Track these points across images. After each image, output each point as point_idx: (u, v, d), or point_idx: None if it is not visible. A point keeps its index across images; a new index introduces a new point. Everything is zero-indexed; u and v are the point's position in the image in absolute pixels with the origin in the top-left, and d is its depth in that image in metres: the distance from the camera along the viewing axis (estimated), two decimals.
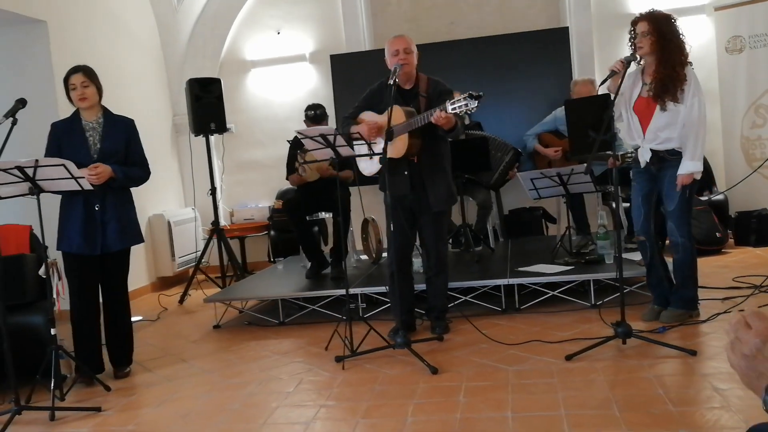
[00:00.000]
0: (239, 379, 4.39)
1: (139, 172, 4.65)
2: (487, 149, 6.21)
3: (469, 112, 4.17)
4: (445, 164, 4.77)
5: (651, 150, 4.47)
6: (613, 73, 4.27)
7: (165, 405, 4.03)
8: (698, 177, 4.39)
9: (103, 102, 4.67)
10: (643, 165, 4.54)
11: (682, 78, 4.32)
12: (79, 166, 4.12)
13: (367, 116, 4.81)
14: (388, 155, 4.34)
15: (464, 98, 4.13)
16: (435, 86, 4.70)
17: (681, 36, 4.39)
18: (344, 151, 4.64)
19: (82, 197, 4.41)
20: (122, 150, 4.56)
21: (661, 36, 4.33)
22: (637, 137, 4.54)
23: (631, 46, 4.49)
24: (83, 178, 4.12)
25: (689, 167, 4.35)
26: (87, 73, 4.53)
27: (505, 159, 6.41)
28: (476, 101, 4.11)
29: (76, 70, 4.53)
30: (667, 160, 4.44)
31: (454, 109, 4.19)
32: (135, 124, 4.69)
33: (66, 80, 4.55)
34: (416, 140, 4.56)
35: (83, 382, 4.47)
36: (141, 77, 8.10)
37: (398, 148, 4.54)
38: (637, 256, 5.43)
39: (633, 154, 4.60)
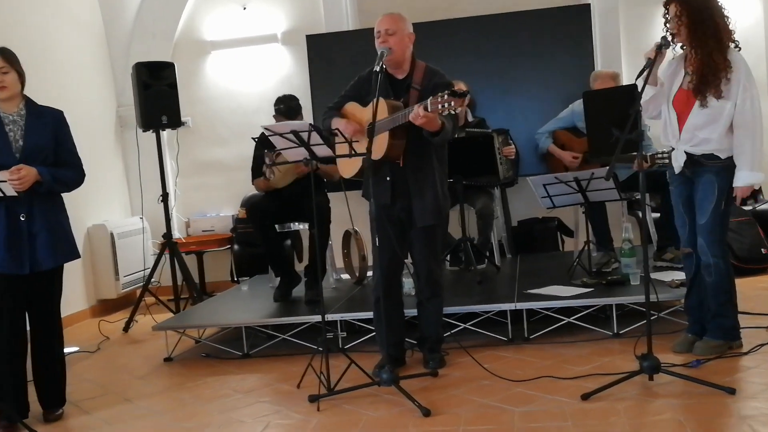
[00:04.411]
0: (194, 422, 4.38)
1: (71, 174, 4.61)
2: (492, 149, 6.23)
3: (452, 112, 4.14)
4: (436, 170, 4.75)
5: (685, 153, 4.52)
6: (649, 62, 4.27)
7: None
8: (757, 187, 4.41)
9: (34, 90, 4.64)
10: (677, 170, 4.60)
11: (724, 66, 4.33)
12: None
13: (350, 109, 4.82)
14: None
15: (446, 95, 4.11)
16: (431, 77, 4.68)
17: (721, 15, 4.40)
18: (321, 151, 4.63)
19: (4, 206, 4.38)
20: (50, 147, 4.52)
21: (692, 18, 4.35)
22: (672, 137, 4.59)
23: (665, 31, 4.49)
24: (5, 182, 4.12)
25: (747, 178, 4.39)
26: (5, 56, 4.45)
27: (496, 146, 6.36)
28: (461, 99, 4.11)
29: None
30: (702, 164, 4.49)
31: (434, 107, 4.16)
32: (65, 117, 4.66)
33: None
34: (398, 141, 4.55)
35: (5, 428, 4.42)
36: (78, 61, 8.09)
37: (378, 148, 4.51)
38: (667, 276, 5.51)
39: (668, 156, 4.63)
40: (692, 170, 4.55)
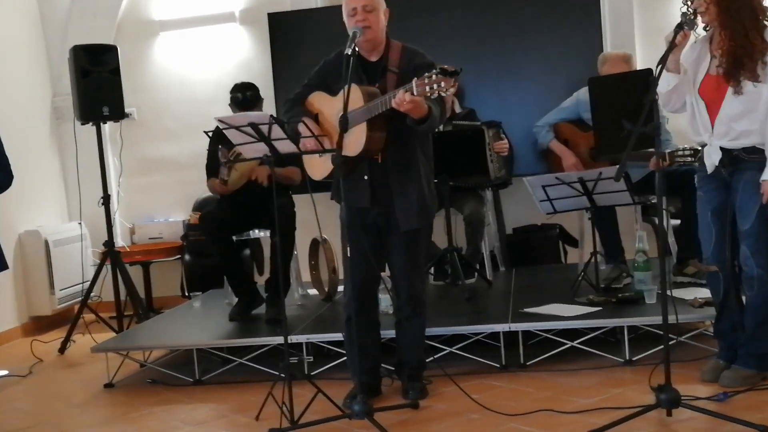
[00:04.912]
0: None
1: None
2: (482, 144, 6.19)
3: (442, 94, 4.09)
4: (420, 167, 4.72)
5: (721, 149, 4.40)
6: (672, 47, 4.18)
7: None
8: None
9: None
10: (710, 170, 4.49)
11: (762, 48, 4.24)
12: None
13: (317, 101, 4.76)
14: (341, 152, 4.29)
15: (434, 75, 4.05)
16: (410, 58, 4.65)
17: None
18: (283, 147, 4.58)
19: None
20: None
21: None
22: (704, 131, 4.48)
23: (688, 9, 4.34)
24: None
25: None
26: None
27: (487, 140, 6.30)
28: (452, 79, 4.04)
29: None
30: (743, 160, 4.37)
31: (420, 90, 4.10)
32: None
33: None
34: (378, 133, 4.48)
35: None
36: (8, 43, 8.04)
37: (354, 142, 4.46)
38: (689, 294, 5.47)
39: (690, 153, 4.54)
40: (730, 169, 4.43)
